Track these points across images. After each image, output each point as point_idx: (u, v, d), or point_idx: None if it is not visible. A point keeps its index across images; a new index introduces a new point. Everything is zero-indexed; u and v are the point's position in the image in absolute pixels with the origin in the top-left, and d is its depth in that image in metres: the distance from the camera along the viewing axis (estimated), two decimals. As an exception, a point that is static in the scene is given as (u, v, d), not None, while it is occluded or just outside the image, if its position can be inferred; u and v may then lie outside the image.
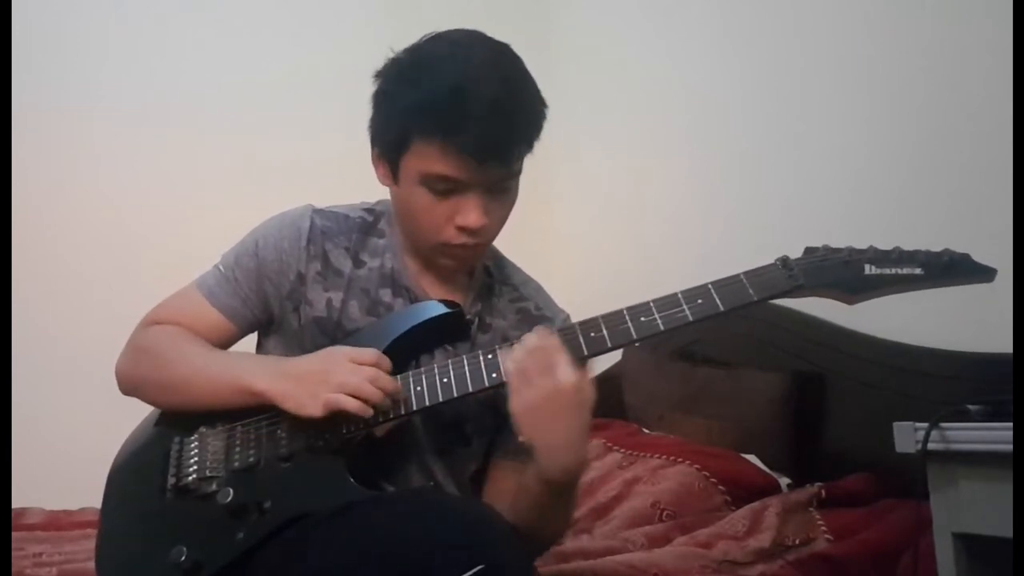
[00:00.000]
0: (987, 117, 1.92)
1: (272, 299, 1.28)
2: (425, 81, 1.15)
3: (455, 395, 1.16)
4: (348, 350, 1.18)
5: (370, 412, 1.13)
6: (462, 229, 1.19)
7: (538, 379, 1.08)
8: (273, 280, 1.27)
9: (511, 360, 1.11)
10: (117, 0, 2.91)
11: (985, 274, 1.12)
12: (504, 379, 1.12)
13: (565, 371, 1.08)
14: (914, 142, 2.11)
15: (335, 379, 1.13)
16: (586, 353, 1.13)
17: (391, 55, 1.22)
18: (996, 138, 1.85)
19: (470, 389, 1.15)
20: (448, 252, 1.23)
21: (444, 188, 1.17)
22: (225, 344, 1.30)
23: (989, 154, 1.91)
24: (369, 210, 1.34)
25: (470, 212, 1.17)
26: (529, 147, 1.21)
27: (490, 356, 1.16)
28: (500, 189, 1.20)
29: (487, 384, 1.15)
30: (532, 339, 1.11)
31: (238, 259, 1.29)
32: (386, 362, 1.17)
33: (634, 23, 3.09)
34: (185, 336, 1.27)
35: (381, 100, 1.22)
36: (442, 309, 1.24)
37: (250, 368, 1.21)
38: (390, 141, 1.20)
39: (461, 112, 1.12)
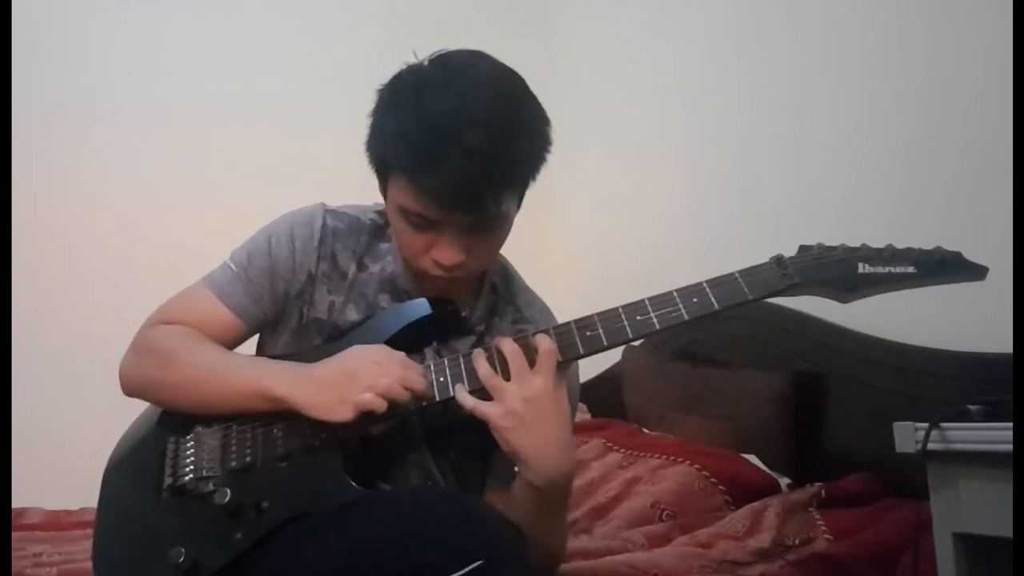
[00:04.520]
0: (987, 117, 1.91)
1: (282, 297, 1.27)
2: (407, 112, 1.11)
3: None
4: (370, 351, 1.15)
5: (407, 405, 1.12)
6: (437, 263, 1.17)
7: (509, 387, 1.08)
8: (285, 278, 1.26)
9: (481, 371, 1.10)
10: (122, 0, 2.91)
11: (977, 272, 1.10)
12: None
13: (533, 379, 1.07)
14: (913, 142, 2.11)
15: (364, 381, 1.10)
16: (582, 352, 1.12)
17: (411, 60, 1.18)
18: (996, 138, 1.84)
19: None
20: (428, 279, 1.22)
21: (419, 223, 1.15)
22: (233, 343, 1.27)
23: (988, 154, 1.90)
24: (380, 212, 1.31)
25: (444, 250, 1.15)
26: (516, 192, 1.17)
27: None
28: (482, 229, 1.16)
29: None
30: (504, 346, 1.11)
31: (250, 257, 1.26)
32: (412, 365, 1.15)
33: (634, 23, 3.09)
34: (195, 336, 1.24)
35: (372, 120, 1.19)
36: (435, 306, 1.22)
37: (268, 372, 1.18)
38: (375, 163, 1.19)
39: (433, 154, 1.08)
